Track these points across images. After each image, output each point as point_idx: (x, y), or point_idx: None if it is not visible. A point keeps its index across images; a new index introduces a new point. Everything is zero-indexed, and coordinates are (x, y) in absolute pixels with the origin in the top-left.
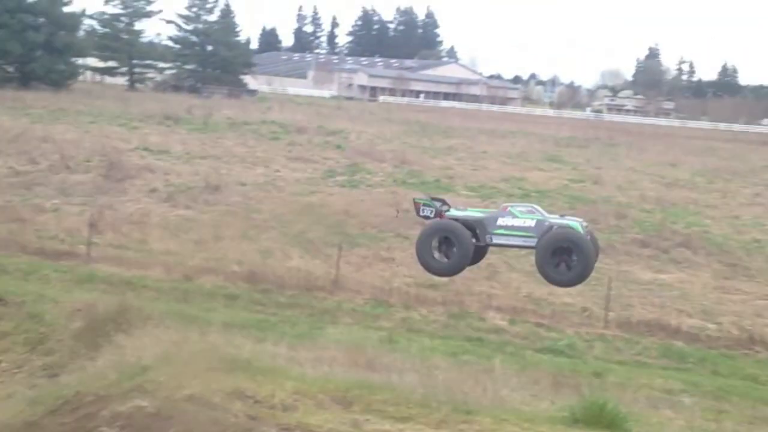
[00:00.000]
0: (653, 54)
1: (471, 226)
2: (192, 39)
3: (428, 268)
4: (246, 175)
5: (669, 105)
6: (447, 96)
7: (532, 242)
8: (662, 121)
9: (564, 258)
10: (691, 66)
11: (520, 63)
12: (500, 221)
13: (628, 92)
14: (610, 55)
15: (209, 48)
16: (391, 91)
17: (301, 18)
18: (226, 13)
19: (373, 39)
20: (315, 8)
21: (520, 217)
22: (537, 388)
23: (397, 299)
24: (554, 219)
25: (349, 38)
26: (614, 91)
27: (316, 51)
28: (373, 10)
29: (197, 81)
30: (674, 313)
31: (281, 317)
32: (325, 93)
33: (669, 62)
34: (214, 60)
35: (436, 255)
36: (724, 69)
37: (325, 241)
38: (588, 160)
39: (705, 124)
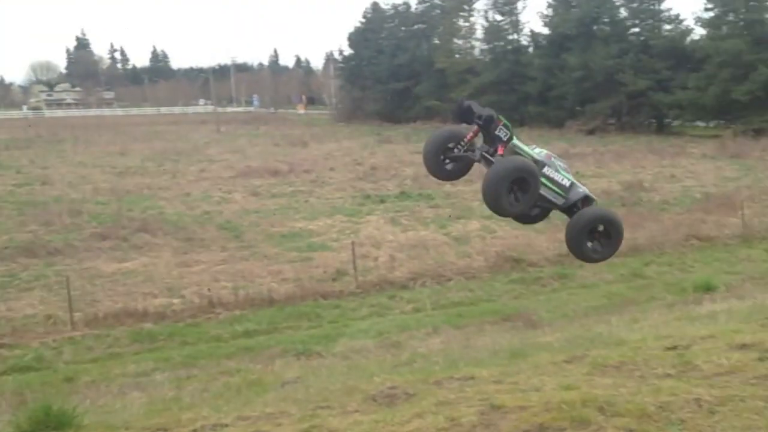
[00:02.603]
0: (83, 44)
1: None
2: None
3: (504, 211)
4: None
5: (110, 94)
6: None
7: (560, 202)
8: (106, 112)
9: (596, 235)
10: (123, 53)
11: None
12: (546, 169)
13: (65, 85)
14: (38, 46)
15: None
16: None
17: None
18: None
19: None
20: None
21: (560, 173)
22: None
23: None
24: (583, 188)
25: None
26: (50, 85)
27: None
28: None
29: None
30: (141, 298)
31: None
32: None
33: (101, 51)
34: None
35: (511, 197)
36: (155, 54)
37: None
38: (32, 160)
39: (148, 110)
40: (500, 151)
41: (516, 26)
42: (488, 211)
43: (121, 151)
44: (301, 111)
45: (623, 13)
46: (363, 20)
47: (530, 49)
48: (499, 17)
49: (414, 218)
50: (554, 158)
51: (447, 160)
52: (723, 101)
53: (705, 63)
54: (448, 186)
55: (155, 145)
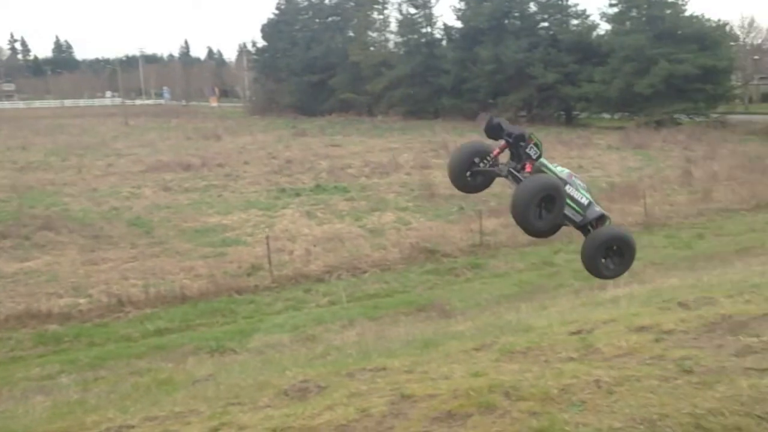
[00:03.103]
0: None
1: None
2: None
3: (531, 228)
4: None
5: (10, 86)
6: None
7: (577, 219)
8: (6, 104)
9: (610, 252)
10: (24, 43)
11: None
12: (567, 188)
13: None
14: None
15: None
16: None
17: None
18: None
19: None
20: None
21: (579, 191)
22: None
23: None
24: (599, 207)
25: None
26: None
27: None
28: None
29: None
30: (45, 298)
31: None
32: None
33: (0, 41)
34: None
35: (537, 213)
36: (59, 45)
37: None
38: None
39: (51, 103)
40: (528, 168)
41: (429, 19)
42: (403, 203)
43: (22, 146)
44: (214, 104)
45: (533, 7)
46: (276, 12)
47: (444, 42)
48: (412, 10)
49: (329, 211)
50: (574, 177)
51: (470, 174)
52: (627, 94)
53: (610, 57)
54: (363, 179)
55: (59, 139)
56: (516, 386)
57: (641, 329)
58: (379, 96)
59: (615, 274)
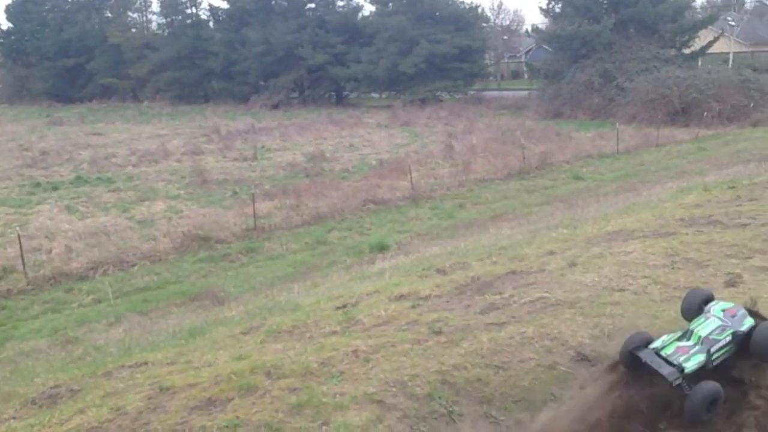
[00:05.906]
0: None
1: None
2: None
3: None
4: None
5: None
6: None
7: None
8: None
9: None
10: None
11: None
12: None
13: None
14: None
15: None
16: None
17: None
18: None
19: None
20: None
21: None
22: None
23: None
24: None
25: None
26: None
27: None
28: None
29: None
30: None
31: None
32: None
33: None
34: None
35: None
36: None
37: None
38: None
39: None
40: None
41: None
42: (174, 191)
43: None
44: None
45: None
46: None
47: (211, 24)
48: None
49: (93, 204)
50: None
51: None
52: (393, 73)
53: (375, 38)
54: (129, 168)
55: None
56: (278, 365)
57: (400, 297)
58: (145, 80)
59: None
